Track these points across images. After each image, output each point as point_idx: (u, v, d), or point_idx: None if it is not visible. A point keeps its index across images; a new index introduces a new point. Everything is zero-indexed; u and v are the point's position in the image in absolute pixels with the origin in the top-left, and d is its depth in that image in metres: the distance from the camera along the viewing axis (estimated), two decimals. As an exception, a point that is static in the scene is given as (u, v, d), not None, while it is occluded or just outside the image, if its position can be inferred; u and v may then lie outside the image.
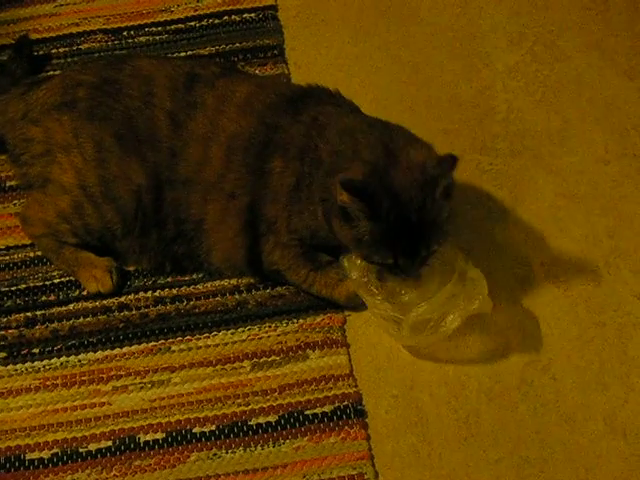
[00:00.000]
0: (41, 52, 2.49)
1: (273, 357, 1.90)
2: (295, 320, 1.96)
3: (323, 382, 1.86)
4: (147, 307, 1.99)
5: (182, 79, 1.97)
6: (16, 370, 1.91)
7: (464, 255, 1.89)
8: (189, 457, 1.78)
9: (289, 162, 1.89)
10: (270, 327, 1.95)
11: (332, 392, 1.85)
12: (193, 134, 1.92)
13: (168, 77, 1.97)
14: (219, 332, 1.95)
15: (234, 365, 1.90)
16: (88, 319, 1.98)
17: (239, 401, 1.84)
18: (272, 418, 1.82)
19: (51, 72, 2.42)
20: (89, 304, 2.00)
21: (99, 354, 1.93)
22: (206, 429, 1.81)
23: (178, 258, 2.00)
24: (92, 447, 1.80)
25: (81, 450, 1.80)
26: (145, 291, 2.02)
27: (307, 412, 1.82)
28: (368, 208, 1.72)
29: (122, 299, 2.01)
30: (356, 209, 1.73)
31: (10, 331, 1.97)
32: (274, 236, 1.92)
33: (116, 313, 1.99)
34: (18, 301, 2.01)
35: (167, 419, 1.83)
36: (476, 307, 1.83)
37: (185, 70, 1.99)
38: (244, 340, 1.93)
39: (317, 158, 1.86)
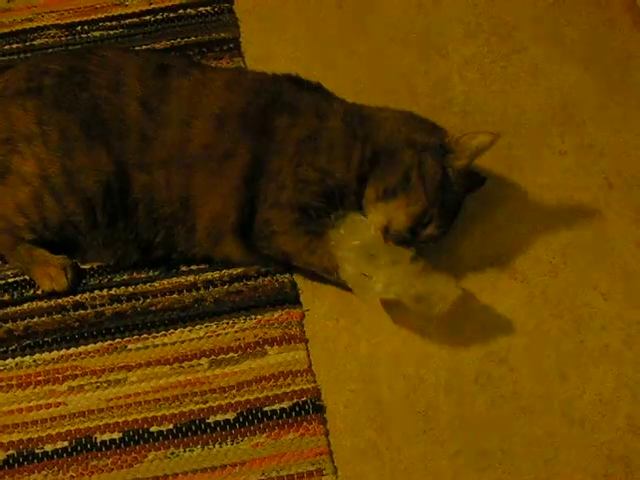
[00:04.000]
0: (-6, 48, 2.46)
1: (231, 354, 1.89)
2: (253, 316, 1.94)
3: (282, 378, 1.85)
4: (103, 305, 1.97)
5: (153, 68, 1.96)
6: (-30, 372, 1.89)
7: None
8: (146, 456, 1.77)
9: (299, 118, 1.92)
10: (228, 324, 1.93)
11: (291, 388, 1.84)
12: (169, 116, 1.91)
13: (138, 67, 1.96)
14: (176, 330, 1.93)
15: (191, 363, 1.88)
16: (43, 318, 1.95)
17: (197, 399, 1.83)
18: (230, 415, 1.81)
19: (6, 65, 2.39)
20: (44, 303, 1.98)
21: (54, 354, 1.90)
22: (163, 428, 1.80)
23: (153, 246, 1.97)
24: (48, 448, 1.78)
25: (37, 451, 1.78)
26: (101, 289, 1.99)
27: (265, 409, 1.81)
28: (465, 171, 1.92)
29: (77, 298, 1.98)
30: (458, 162, 1.89)
31: (-36, 332, 1.94)
32: (275, 192, 1.90)
33: (71, 312, 1.96)
34: (-29, 302, 1.99)
35: (124, 418, 1.81)
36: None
37: (155, 61, 1.99)
38: (201, 337, 1.92)
39: (360, 116, 1.96)
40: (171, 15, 2.54)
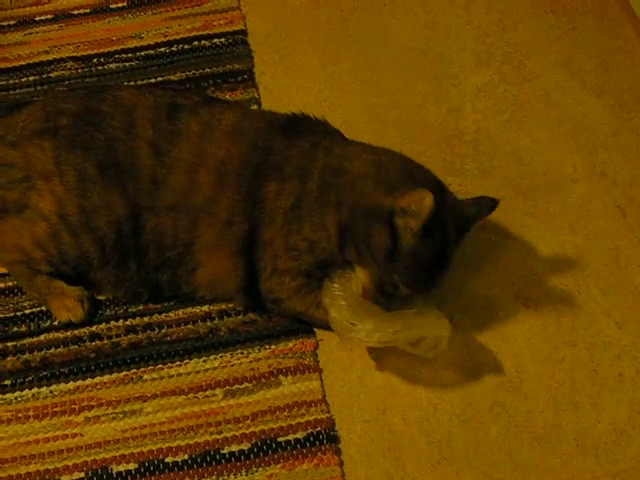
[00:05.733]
0: (11, 81, 2.49)
1: (245, 384, 1.90)
2: (267, 346, 1.96)
3: (296, 408, 1.86)
4: (118, 336, 1.98)
5: (164, 109, 1.96)
6: (-13, 402, 1.90)
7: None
8: (162, 487, 1.78)
9: (285, 183, 1.89)
10: (242, 354, 1.95)
11: (305, 418, 1.85)
12: (177, 161, 1.92)
13: (150, 107, 1.97)
14: (191, 360, 1.94)
15: (206, 393, 1.89)
16: (59, 349, 1.97)
17: (211, 429, 1.84)
18: (245, 446, 1.81)
19: (23, 101, 2.42)
20: (60, 334, 1.99)
21: (71, 385, 1.92)
22: (178, 458, 1.80)
23: (159, 286, 1.99)
24: (64, 479, 1.79)
25: (54, 482, 1.79)
26: (116, 320, 2.01)
27: (280, 439, 1.82)
28: (426, 228, 1.74)
29: (93, 328, 2.00)
30: (412, 224, 1.74)
31: (-18, 363, 1.96)
32: (271, 261, 1.91)
33: (87, 343, 1.98)
34: (-11, 333, 2.01)
35: (139, 449, 1.82)
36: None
37: (166, 100, 1.99)
38: (216, 368, 1.93)
39: (338, 170, 1.87)
40: (186, 47, 2.57)
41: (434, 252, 1.79)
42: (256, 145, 1.93)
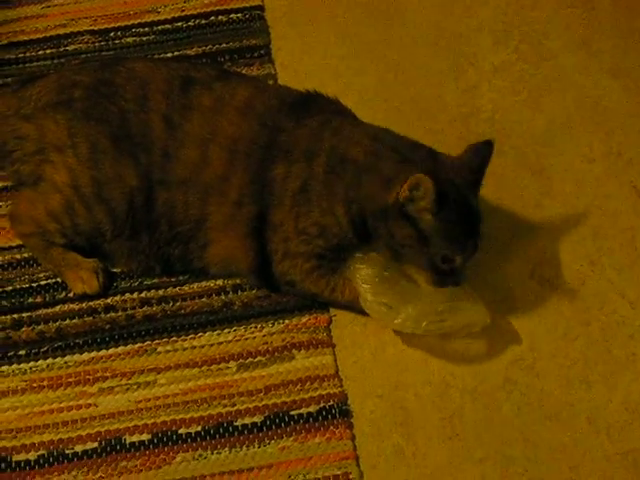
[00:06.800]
0: (28, 54, 2.50)
1: (259, 358, 1.91)
2: (281, 321, 1.96)
3: (309, 382, 1.87)
4: (133, 308, 1.99)
5: (177, 82, 1.96)
6: (2, 372, 1.91)
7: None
8: (175, 458, 1.78)
9: (292, 166, 1.89)
10: (256, 328, 1.95)
11: (317, 392, 1.86)
12: (189, 135, 1.92)
13: (163, 80, 1.97)
14: (205, 333, 1.95)
15: (220, 366, 1.90)
16: (74, 321, 1.98)
17: (225, 402, 1.85)
18: (257, 419, 1.82)
19: (38, 74, 2.42)
20: (75, 306, 2.00)
21: (85, 356, 1.93)
22: (192, 430, 1.82)
23: (171, 260, 2.00)
24: (78, 449, 1.80)
25: (67, 452, 1.80)
26: (131, 292, 2.02)
27: (292, 412, 1.83)
28: (438, 201, 1.74)
29: (108, 300, 2.01)
30: (424, 205, 1.74)
31: (-3, 333, 1.98)
32: (283, 244, 1.91)
33: (102, 314, 1.99)
34: (4, 303, 2.01)
35: (153, 420, 1.83)
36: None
37: (180, 73, 1.99)
38: (230, 341, 1.94)
39: (344, 157, 1.86)
40: (203, 22, 2.57)
41: (459, 214, 1.79)
42: (265, 124, 1.92)
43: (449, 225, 1.78)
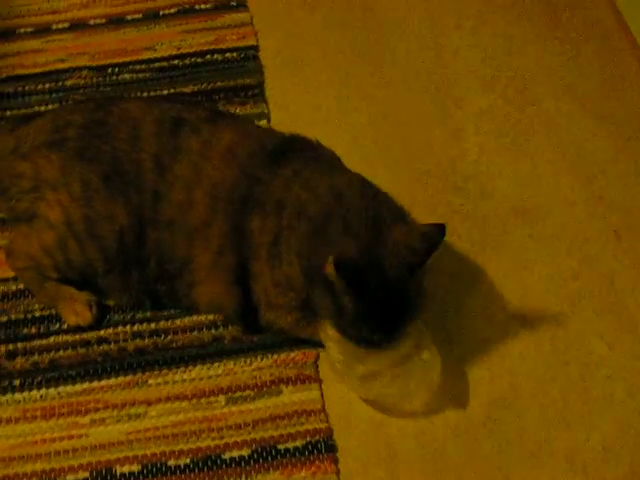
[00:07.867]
0: (27, 88, 2.55)
1: (248, 392, 1.95)
2: (270, 356, 2.00)
3: (295, 417, 1.91)
4: (125, 341, 2.04)
5: (168, 124, 2.00)
6: (-4, 401, 1.95)
7: (428, 333, 1.92)
8: (164, 489, 1.82)
9: (266, 219, 1.89)
10: (245, 362, 2.00)
11: (304, 427, 1.89)
12: (177, 178, 1.95)
13: (155, 121, 2.00)
14: (195, 367, 1.99)
15: (209, 399, 1.94)
16: (68, 352, 2.02)
17: (213, 435, 1.89)
18: (245, 452, 1.86)
19: (36, 108, 2.48)
20: (69, 337, 2.04)
21: (78, 387, 1.97)
22: (181, 462, 1.85)
23: (159, 296, 2.04)
24: (70, 478, 1.84)
25: (59, 481, 1.84)
26: (124, 325, 2.06)
27: (279, 446, 1.87)
28: (355, 290, 1.72)
29: (101, 333, 2.05)
30: (343, 288, 1.72)
31: (-9, 363, 2.01)
32: (264, 295, 1.94)
33: (95, 346, 2.03)
34: (-1, 333, 2.06)
35: (143, 452, 1.87)
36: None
37: (172, 114, 2.02)
38: (219, 375, 1.98)
39: (301, 211, 1.86)
40: (199, 60, 2.62)
41: (377, 301, 1.74)
42: (246, 172, 1.93)
43: (366, 309, 1.75)
